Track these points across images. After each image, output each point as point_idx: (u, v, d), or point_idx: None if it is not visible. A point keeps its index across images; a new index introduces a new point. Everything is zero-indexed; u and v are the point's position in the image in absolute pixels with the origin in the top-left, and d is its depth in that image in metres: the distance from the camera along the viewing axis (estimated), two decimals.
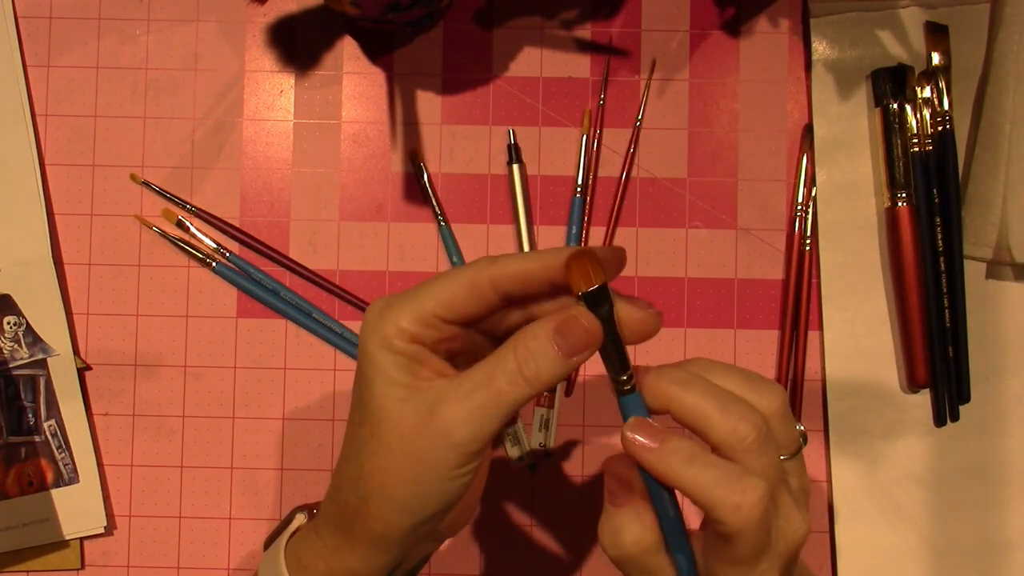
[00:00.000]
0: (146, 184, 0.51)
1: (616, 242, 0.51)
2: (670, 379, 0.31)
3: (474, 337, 0.34)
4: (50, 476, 0.50)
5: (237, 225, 0.51)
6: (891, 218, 0.50)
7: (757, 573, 0.30)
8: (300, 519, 0.38)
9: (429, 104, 0.52)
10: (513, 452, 0.51)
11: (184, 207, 0.51)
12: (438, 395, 0.31)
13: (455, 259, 0.51)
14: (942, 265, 0.49)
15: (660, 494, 0.31)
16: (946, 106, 0.49)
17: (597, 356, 0.31)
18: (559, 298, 0.32)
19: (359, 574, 0.33)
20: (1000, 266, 0.50)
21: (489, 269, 0.32)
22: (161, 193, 0.51)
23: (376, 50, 0.52)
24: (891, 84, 0.50)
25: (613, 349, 0.31)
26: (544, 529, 0.51)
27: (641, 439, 0.30)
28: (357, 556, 0.33)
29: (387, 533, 0.32)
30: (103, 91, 0.52)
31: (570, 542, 0.51)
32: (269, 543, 0.38)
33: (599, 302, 0.31)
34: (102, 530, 0.50)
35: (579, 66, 0.52)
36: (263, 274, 0.51)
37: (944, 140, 0.49)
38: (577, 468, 0.51)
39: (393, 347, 0.31)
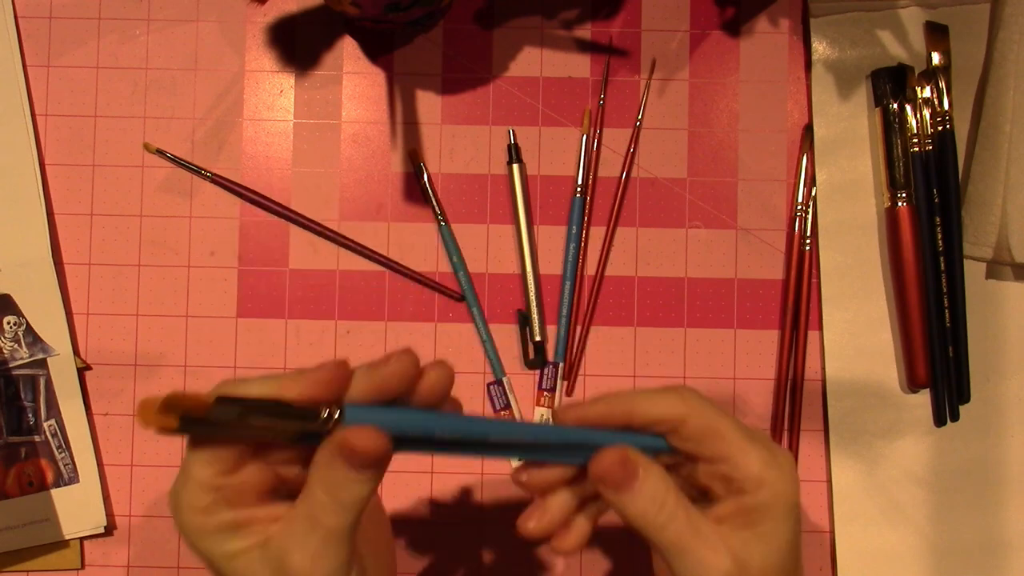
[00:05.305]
0: (160, 152, 0.51)
1: (616, 242, 0.51)
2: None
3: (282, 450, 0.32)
4: (50, 476, 0.50)
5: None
6: (891, 218, 0.50)
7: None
8: None
9: (429, 104, 0.52)
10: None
11: (201, 174, 0.51)
12: (280, 548, 0.30)
13: (455, 259, 0.51)
14: (942, 265, 0.49)
15: None
16: (946, 106, 0.49)
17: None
18: None
19: None
20: (1000, 266, 0.50)
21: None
22: (175, 160, 0.51)
23: (376, 50, 0.52)
24: (891, 84, 0.50)
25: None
26: None
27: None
28: None
29: None
30: (103, 91, 0.52)
31: None
32: None
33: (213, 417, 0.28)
34: (102, 530, 0.50)
35: (579, 66, 0.52)
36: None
37: (944, 140, 0.49)
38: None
39: (212, 528, 0.31)
